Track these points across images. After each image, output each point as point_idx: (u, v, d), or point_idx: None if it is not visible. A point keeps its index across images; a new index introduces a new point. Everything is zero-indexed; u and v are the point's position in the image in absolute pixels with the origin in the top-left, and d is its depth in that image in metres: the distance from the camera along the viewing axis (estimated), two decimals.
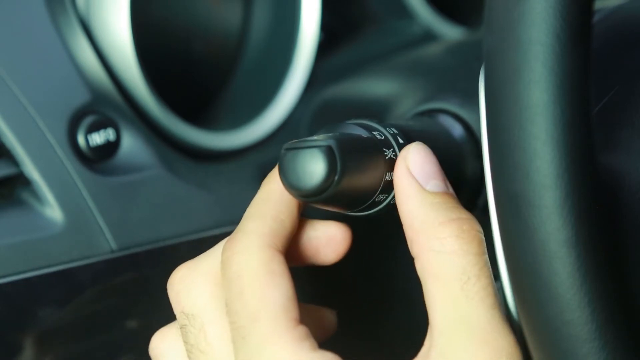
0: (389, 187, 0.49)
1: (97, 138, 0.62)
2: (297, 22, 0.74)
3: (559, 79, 0.40)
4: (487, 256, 0.47)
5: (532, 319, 0.42)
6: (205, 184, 0.67)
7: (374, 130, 0.49)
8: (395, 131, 0.50)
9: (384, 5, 0.85)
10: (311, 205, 0.49)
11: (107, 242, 0.61)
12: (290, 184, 0.46)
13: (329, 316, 0.57)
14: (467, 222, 0.47)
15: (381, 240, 0.67)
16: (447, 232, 0.47)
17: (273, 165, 0.49)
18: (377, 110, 0.67)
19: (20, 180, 0.60)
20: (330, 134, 0.47)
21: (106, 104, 0.64)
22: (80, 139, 0.62)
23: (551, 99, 0.40)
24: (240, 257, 0.48)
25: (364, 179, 0.48)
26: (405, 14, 0.85)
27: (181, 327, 0.51)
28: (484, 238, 0.48)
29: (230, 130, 0.71)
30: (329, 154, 0.45)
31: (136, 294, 0.63)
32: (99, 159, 0.63)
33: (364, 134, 0.49)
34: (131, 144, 0.65)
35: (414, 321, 0.57)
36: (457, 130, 0.59)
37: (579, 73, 0.40)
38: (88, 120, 0.62)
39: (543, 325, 0.41)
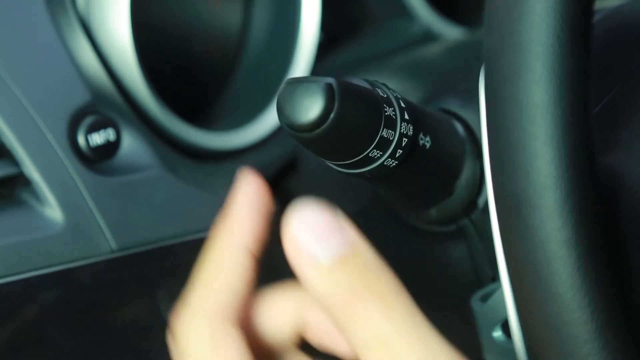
0: (384, 144, 0.48)
1: (97, 138, 0.62)
2: (297, 22, 0.74)
3: (559, 79, 0.40)
4: None
5: (532, 319, 0.42)
6: (205, 184, 0.67)
7: (378, 88, 0.49)
8: (398, 95, 0.50)
9: (384, 5, 0.85)
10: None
11: (107, 242, 0.61)
12: (285, 116, 0.45)
13: None
14: None
15: None
16: None
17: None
18: None
19: (20, 180, 0.60)
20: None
21: (106, 104, 0.64)
22: (81, 139, 0.62)
23: (551, 99, 0.40)
24: (187, 339, 0.46)
25: (360, 125, 0.47)
26: (405, 14, 0.85)
27: None
28: None
29: (230, 130, 0.71)
30: (328, 91, 0.45)
31: (136, 294, 0.63)
32: (99, 159, 0.63)
33: (367, 87, 0.48)
34: (131, 144, 0.65)
35: None
36: (457, 130, 0.59)
37: (579, 73, 0.40)
38: (88, 120, 0.62)
39: (543, 325, 0.41)
